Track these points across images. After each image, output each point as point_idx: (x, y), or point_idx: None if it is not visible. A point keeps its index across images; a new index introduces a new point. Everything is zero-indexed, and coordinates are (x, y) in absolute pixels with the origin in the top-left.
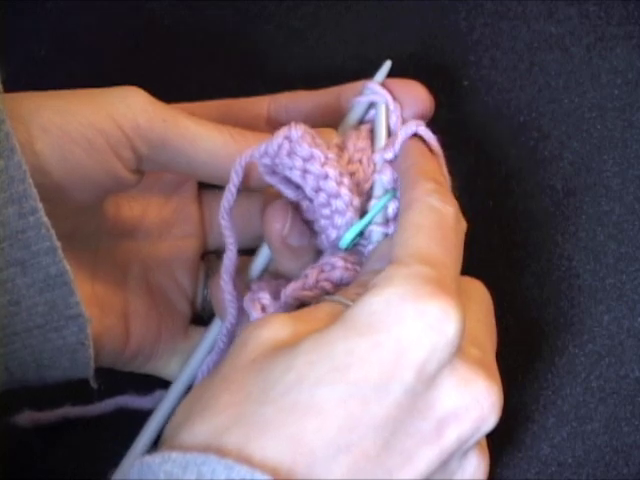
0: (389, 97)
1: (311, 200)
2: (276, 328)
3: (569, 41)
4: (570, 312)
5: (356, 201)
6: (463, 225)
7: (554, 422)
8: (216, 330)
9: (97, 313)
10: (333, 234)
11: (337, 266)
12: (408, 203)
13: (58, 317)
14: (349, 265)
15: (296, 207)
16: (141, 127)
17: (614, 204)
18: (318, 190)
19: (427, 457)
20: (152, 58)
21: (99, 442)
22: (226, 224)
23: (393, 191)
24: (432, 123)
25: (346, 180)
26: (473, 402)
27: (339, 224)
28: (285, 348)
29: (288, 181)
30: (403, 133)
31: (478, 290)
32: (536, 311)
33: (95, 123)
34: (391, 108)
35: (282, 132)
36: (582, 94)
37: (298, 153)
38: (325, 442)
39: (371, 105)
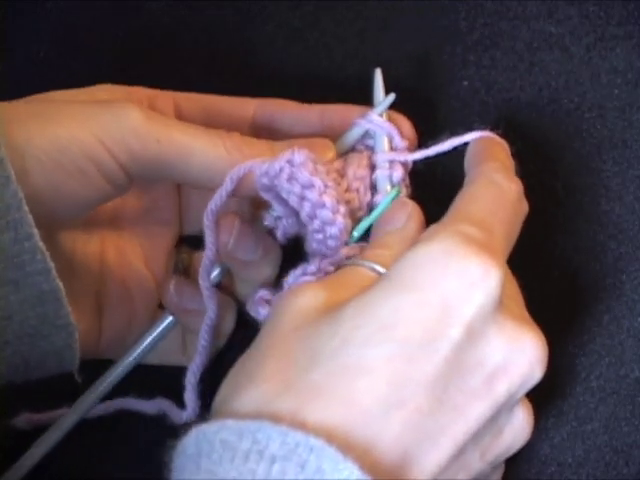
0: (394, 131)
1: (304, 224)
2: (310, 296)
3: (569, 41)
4: (570, 312)
5: (350, 227)
6: (525, 206)
7: (554, 422)
8: (164, 324)
9: (73, 307)
10: (326, 253)
11: (340, 252)
12: (471, 178)
13: (48, 327)
14: (353, 248)
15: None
16: (134, 151)
17: (614, 204)
18: (313, 217)
19: (478, 412)
20: (152, 58)
21: (99, 443)
22: (209, 224)
23: (399, 187)
24: (432, 124)
25: (342, 209)
26: (520, 356)
27: (332, 246)
28: (327, 315)
29: (281, 199)
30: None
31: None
32: (536, 311)
33: (88, 153)
34: (397, 143)
35: (285, 156)
36: (582, 94)
37: (298, 179)
38: (377, 400)
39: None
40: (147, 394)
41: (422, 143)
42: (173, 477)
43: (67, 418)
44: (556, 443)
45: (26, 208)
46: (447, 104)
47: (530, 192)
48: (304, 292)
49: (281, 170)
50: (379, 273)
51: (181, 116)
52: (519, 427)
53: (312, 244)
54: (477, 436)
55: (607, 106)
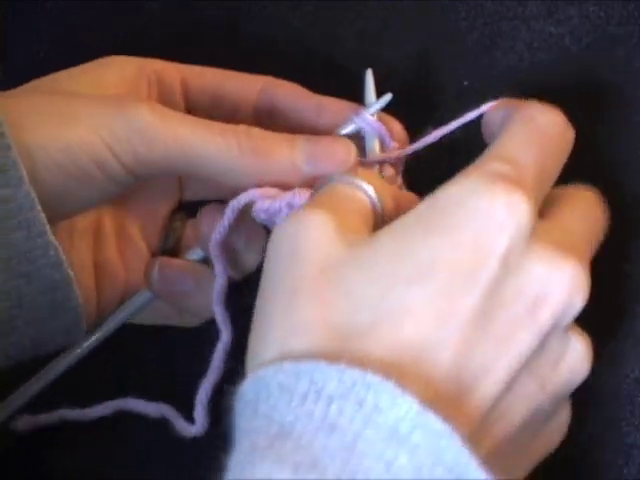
0: (385, 131)
1: None
2: (320, 226)
3: (569, 41)
4: None
5: None
6: (570, 134)
7: None
8: (140, 300)
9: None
10: None
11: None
12: (509, 117)
13: (57, 311)
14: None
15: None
16: (142, 158)
17: (614, 204)
18: None
19: (525, 340)
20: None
21: (99, 443)
22: (215, 255)
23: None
24: (432, 124)
25: None
26: (560, 282)
27: None
28: (357, 254)
29: None
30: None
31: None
32: None
33: (97, 160)
34: (387, 144)
35: (286, 197)
36: (582, 94)
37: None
38: (425, 337)
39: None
40: (146, 394)
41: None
42: (235, 423)
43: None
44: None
45: (39, 207)
46: (447, 104)
47: None
48: (310, 222)
49: (280, 210)
50: (363, 190)
51: (188, 91)
52: (577, 357)
53: None
54: (530, 366)
55: (607, 106)
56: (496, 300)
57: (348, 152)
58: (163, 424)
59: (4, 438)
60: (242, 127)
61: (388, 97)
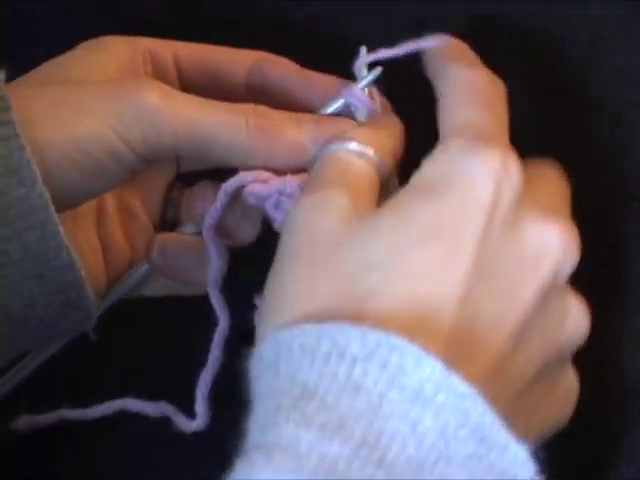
0: (373, 106)
1: None
2: (336, 208)
3: (569, 41)
4: None
5: None
6: (500, 85)
7: None
8: (140, 272)
9: (78, 255)
10: None
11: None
12: (439, 87)
13: (69, 309)
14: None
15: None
16: (152, 143)
17: (614, 204)
18: None
19: (528, 295)
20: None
21: (99, 443)
22: (210, 238)
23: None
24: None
25: None
26: (555, 237)
27: None
28: (365, 224)
29: (266, 213)
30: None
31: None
32: None
33: (108, 150)
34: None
35: (276, 183)
36: (582, 94)
37: (284, 209)
38: (439, 294)
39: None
40: (146, 395)
41: (422, 143)
42: (252, 388)
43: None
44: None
45: (52, 208)
46: None
47: None
48: (326, 204)
49: (270, 195)
50: (368, 157)
51: (180, 67)
52: (576, 314)
53: None
54: (535, 322)
55: (607, 106)
56: (497, 255)
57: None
58: (163, 424)
59: (4, 438)
60: (249, 106)
61: (378, 71)
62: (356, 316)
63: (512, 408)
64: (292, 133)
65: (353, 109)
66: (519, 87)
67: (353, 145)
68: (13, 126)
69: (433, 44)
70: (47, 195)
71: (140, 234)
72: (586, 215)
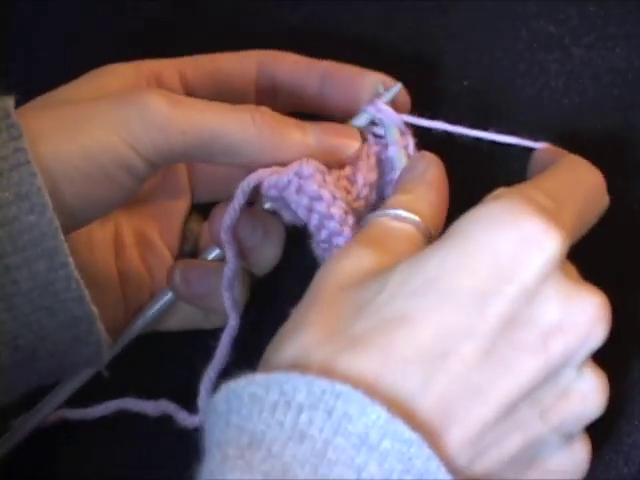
0: (401, 120)
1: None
2: (354, 257)
3: (569, 41)
4: None
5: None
6: (605, 201)
7: None
8: (161, 300)
9: (97, 292)
10: None
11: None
12: (553, 162)
13: (80, 344)
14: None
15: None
16: (161, 147)
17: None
18: (321, 228)
19: (530, 368)
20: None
21: (99, 443)
22: (227, 239)
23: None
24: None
25: (350, 220)
26: (580, 315)
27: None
28: (378, 274)
29: (289, 208)
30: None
31: None
32: None
33: (118, 159)
34: (405, 133)
35: (293, 168)
36: (582, 94)
37: (306, 192)
38: (418, 350)
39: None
40: (146, 395)
41: (422, 143)
42: (205, 437)
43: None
44: None
45: (62, 237)
46: (447, 104)
47: None
48: (349, 254)
49: (289, 182)
50: (405, 218)
51: (187, 83)
52: (589, 392)
53: (317, 250)
54: (532, 394)
55: (607, 106)
56: (506, 323)
57: (353, 141)
58: (164, 423)
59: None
60: (252, 105)
61: (397, 87)
62: (329, 362)
63: (493, 477)
64: (297, 133)
65: (379, 123)
66: (519, 87)
67: (393, 212)
68: (25, 153)
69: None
70: (57, 223)
71: (160, 266)
72: None
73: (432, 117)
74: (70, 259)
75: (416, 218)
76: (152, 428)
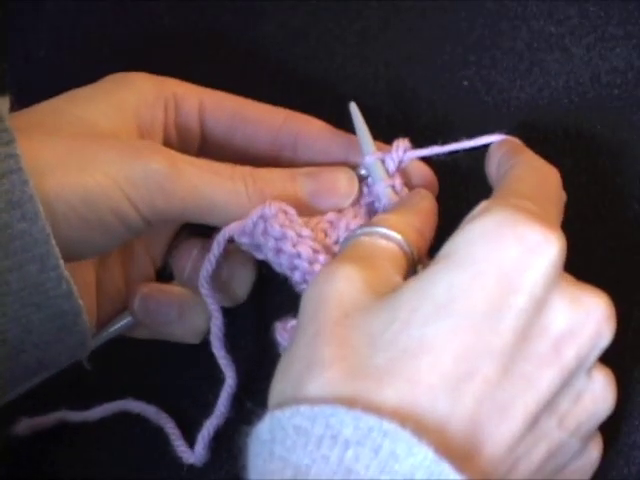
0: (393, 181)
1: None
2: (346, 278)
3: (569, 41)
4: None
5: None
6: (564, 194)
7: None
8: (123, 322)
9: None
10: None
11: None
12: (512, 165)
13: (65, 334)
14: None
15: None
16: (158, 208)
17: (614, 204)
18: (293, 269)
19: (548, 378)
20: (152, 58)
21: (99, 444)
22: (206, 292)
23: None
24: (432, 123)
25: (322, 258)
26: (586, 317)
27: None
28: (379, 299)
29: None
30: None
31: None
32: None
33: (115, 209)
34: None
35: (257, 211)
36: (582, 94)
37: (270, 233)
38: (443, 376)
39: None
40: (145, 396)
41: (422, 144)
42: (249, 463)
43: None
44: None
45: (53, 242)
46: (447, 104)
47: None
48: (337, 274)
49: (255, 226)
50: (388, 236)
51: (204, 118)
52: (600, 392)
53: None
54: (551, 404)
55: (607, 106)
56: (520, 337)
57: (351, 184)
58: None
59: (5, 440)
60: (247, 169)
61: (404, 151)
62: (354, 395)
63: None
64: (289, 192)
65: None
66: (519, 87)
67: (379, 229)
68: (16, 159)
69: (488, 141)
70: (49, 230)
71: (139, 279)
72: (586, 215)
73: (432, 117)
74: (61, 261)
75: (399, 237)
76: (152, 429)
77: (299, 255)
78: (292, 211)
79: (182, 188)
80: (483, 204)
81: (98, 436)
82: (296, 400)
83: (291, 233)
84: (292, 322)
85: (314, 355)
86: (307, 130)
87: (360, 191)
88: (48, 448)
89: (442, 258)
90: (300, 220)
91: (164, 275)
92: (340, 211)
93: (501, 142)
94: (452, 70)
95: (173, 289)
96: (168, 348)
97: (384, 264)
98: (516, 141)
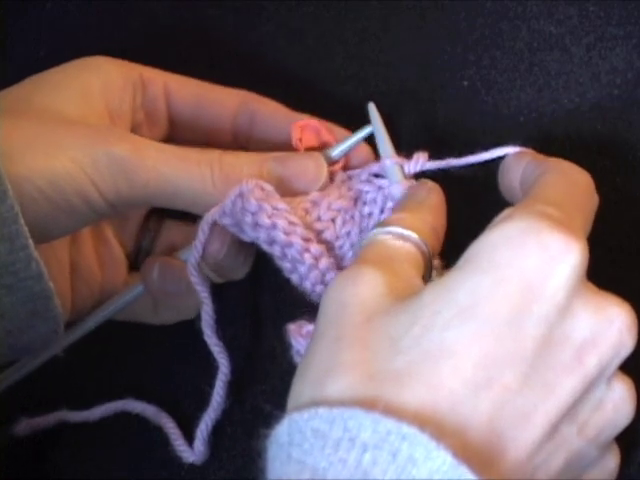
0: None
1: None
2: (369, 281)
3: (569, 41)
4: None
5: (315, 249)
6: (596, 199)
7: None
8: (134, 292)
9: (50, 279)
10: (305, 284)
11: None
12: (541, 171)
13: (37, 320)
14: None
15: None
16: (122, 192)
17: (614, 204)
18: (272, 243)
19: (569, 386)
20: (152, 58)
21: (99, 444)
22: (196, 280)
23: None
24: (432, 123)
25: (299, 229)
26: (609, 326)
27: (303, 272)
28: (401, 302)
29: (246, 232)
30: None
31: None
32: None
33: (81, 192)
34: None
35: (235, 190)
36: (582, 94)
37: (247, 208)
38: (463, 381)
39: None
40: (145, 396)
41: (423, 143)
42: (267, 466)
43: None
44: None
45: (22, 221)
46: (447, 104)
47: None
48: (359, 279)
49: (234, 204)
50: (406, 237)
51: (170, 99)
52: (620, 400)
53: (292, 275)
54: (572, 412)
55: (607, 106)
56: (542, 344)
57: (319, 169)
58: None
59: (4, 440)
60: (215, 154)
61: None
62: (374, 398)
63: None
64: (255, 175)
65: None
66: (519, 87)
67: (396, 229)
68: None
69: (503, 152)
70: (18, 208)
71: (112, 262)
72: None
73: (432, 117)
74: (30, 241)
75: (417, 237)
76: (152, 429)
77: (275, 226)
78: (269, 187)
79: (145, 173)
80: (508, 210)
81: (98, 436)
82: (315, 403)
83: (266, 206)
84: (308, 327)
85: (335, 359)
86: (263, 110)
87: (347, 175)
88: (48, 448)
89: (465, 262)
90: (278, 196)
91: (137, 258)
92: (324, 191)
93: (520, 153)
94: (452, 70)
95: (180, 263)
96: (168, 348)
97: (404, 266)
98: (533, 153)
